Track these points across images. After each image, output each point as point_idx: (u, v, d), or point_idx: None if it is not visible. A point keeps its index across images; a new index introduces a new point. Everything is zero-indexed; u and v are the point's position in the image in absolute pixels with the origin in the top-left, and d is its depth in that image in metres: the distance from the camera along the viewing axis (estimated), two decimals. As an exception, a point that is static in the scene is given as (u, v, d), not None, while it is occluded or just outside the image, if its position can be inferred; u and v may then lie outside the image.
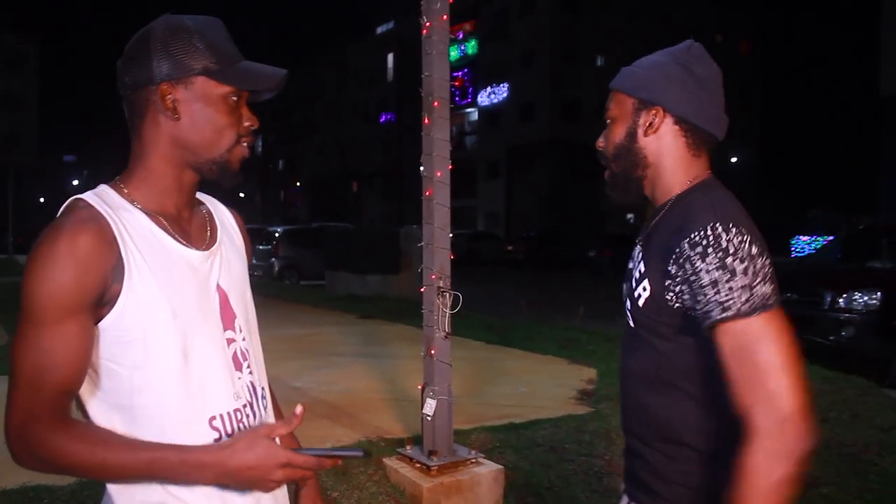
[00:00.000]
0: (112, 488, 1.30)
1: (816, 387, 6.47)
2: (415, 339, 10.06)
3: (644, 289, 1.48)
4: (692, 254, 1.36)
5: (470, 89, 52.85)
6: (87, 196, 1.32)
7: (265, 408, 1.49)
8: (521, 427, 5.72)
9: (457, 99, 53.35)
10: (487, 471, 4.63)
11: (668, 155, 1.54)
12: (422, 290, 4.82)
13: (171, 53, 1.31)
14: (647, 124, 1.52)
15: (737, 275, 1.32)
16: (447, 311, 4.69)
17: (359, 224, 46.16)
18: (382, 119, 59.41)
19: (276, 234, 23.11)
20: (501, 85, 50.06)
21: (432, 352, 4.72)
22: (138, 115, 1.35)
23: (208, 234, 1.45)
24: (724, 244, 1.33)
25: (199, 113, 1.33)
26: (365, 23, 64.92)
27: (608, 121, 1.60)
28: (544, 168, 46.12)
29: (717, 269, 1.33)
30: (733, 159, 44.16)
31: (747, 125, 53.51)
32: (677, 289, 1.41)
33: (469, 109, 53.81)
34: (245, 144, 1.40)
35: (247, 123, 1.39)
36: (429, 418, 4.68)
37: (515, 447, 5.30)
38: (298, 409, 1.29)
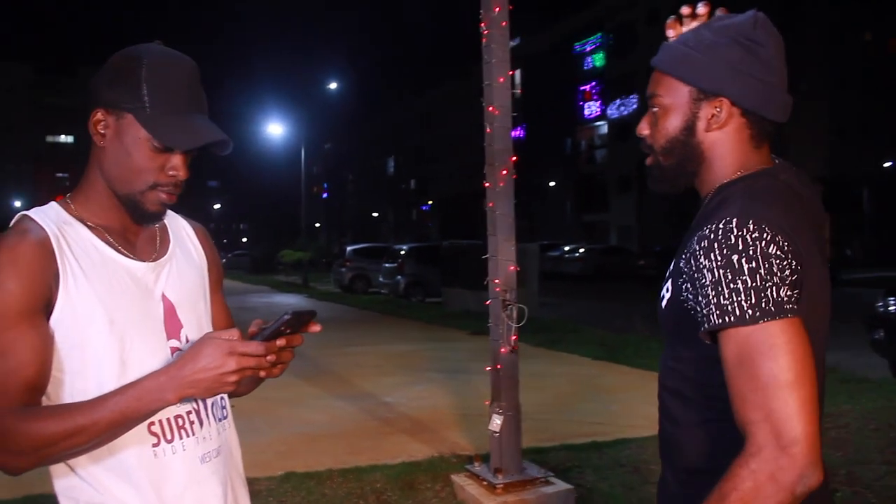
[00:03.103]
0: (59, 491, 1.34)
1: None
2: (522, 355, 9.91)
3: (667, 289, 1.33)
4: (698, 248, 1.19)
5: (599, 102, 52.08)
6: (33, 212, 1.36)
7: (220, 418, 1.49)
8: (605, 446, 5.49)
9: (585, 113, 52.74)
10: (556, 491, 4.45)
11: (729, 149, 1.35)
12: (487, 302, 4.73)
13: (115, 83, 1.33)
14: (710, 117, 1.33)
15: (743, 275, 1.14)
16: (512, 324, 4.57)
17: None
18: (511, 135, 59.56)
19: (402, 252, 23.26)
20: (631, 97, 48.98)
21: (498, 366, 4.62)
22: (89, 133, 1.39)
23: (157, 246, 1.47)
24: (733, 240, 1.16)
25: (119, 148, 1.35)
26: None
27: (654, 108, 1.40)
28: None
29: (721, 267, 1.15)
30: (886, 164, 41.15)
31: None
32: (685, 287, 1.25)
33: (598, 123, 52.99)
34: (164, 192, 1.38)
35: (171, 173, 1.37)
36: (495, 435, 4.56)
37: (596, 467, 5.08)
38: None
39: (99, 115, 1.34)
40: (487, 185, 4.67)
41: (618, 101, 50.44)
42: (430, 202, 69.50)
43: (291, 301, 22.14)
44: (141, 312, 1.37)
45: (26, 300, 1.25)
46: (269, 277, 35.90)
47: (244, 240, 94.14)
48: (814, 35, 39.54)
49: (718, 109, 1.32)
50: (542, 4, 57.67)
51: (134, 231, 1.43)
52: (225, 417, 1.50)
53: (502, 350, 4.57)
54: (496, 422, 4.56)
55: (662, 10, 44.50)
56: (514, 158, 4.64)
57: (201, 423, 1.42)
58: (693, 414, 1.30)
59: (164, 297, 1.42)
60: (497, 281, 4.63)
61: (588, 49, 51.76)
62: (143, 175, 1.35)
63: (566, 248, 35.38)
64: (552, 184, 54.67)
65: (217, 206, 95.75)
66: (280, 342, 1.26)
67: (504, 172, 4.59)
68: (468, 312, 15.65)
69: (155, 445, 1.35)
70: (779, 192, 1.28)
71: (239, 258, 51.19)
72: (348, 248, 28.20)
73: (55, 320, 1.29)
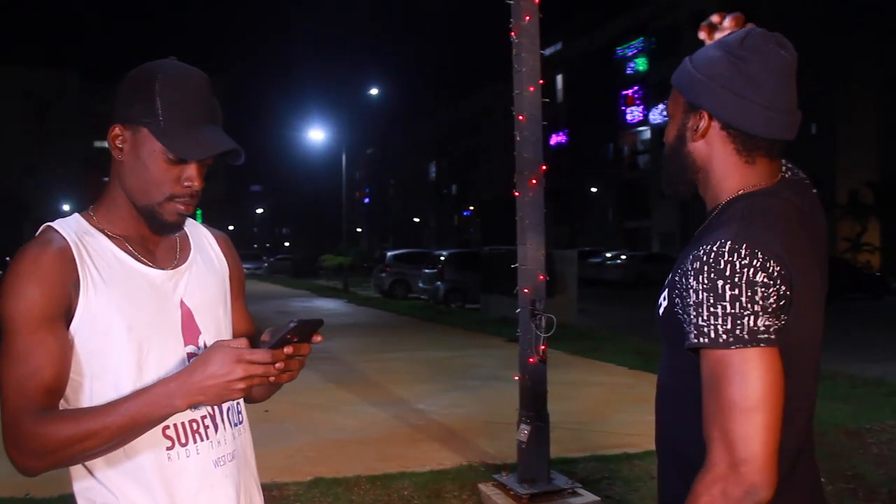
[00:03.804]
0: (77, 492, 1.38)
1: None
2: (558, 363, 9.88)
3: (664, 298, 1.39)
4: (690, 268, 1.25)
5: (641, 107, 51.59)
6: (56, 223, 1.42)
7: (236, 423, 1.52)
8: (637, 457, 5.42)
9: (628, 118, 52.26)
10: (583, 502, 4.43)
11: (718, 161, 1.39)
12: (517, 311, 4.72)
13: (131, 99, 1.38)
14: (694, 129, 1.39)
15: (724, 301, 1.19)
16: (541, 333, 4.55)
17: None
18: (553, 142, 59.28)
19: (442, 258, 23.12)
20: (674, 101, 48.47)
21: (526, 376, 4.60)
22: (109, 147, 1.44)
23: (177, 254, 1.51)
24: (721, 265, 1.21)
25: (136, 161, 1.39)
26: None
27: (667, 117, 1.49)
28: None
29: (706, 290, 1.21)
30: None
31: None
32: (676, 300, 1.31)
33: (641, 128, 52.48)
34: (180, 203, 1.42)
35: (186, 184, 1.41)
36: (523, 445, 4.54)
37: (626, 479, 5.03)
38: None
39: (117, 131, 1.39)
40: (517, 193, 4.66)
41: (660, 106, 49.81)
42: (471, 207, 69.46)
43: (331, 305, 22.30)
44: (159, 319, 1.41)
45: (47, 307, 1.31)
46: (310, 282, 36.18)
47: (286, 244, 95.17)
48: (862, 36, 38.74)
49: (700, 121, 1.38)
50: (583, 9, 57.39)
51: (154, 240, 1.48)
52: (240, 423, 1.54)
53: (530, 360, 4.55)
54: (523, 431, 4.55)
55: (706, 13, 43.83)
56: (545, 167, 4.62)
57: (216, 428, 1.45)
58: (685, 416, 1.35)
59: (182, 303, 1.46)
60: (526, 290, 4.62)
61: (630, 53, 51.33)
62: (160, 187, 1.39)
63: (608, 255, 35.09)
64: (594, 190, 54.30)
65: (260, 211, 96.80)
66: (287, 350, 1.28)
67: (533, 182, 4.58)
68: (506, 319, 15.57)
69: (169, 449, 1.38)
70: (778, 213, 1.31)
71: (281, 262, 51.73)
72: (388, 254, 28.26)
73: (75, 326, 1.33)
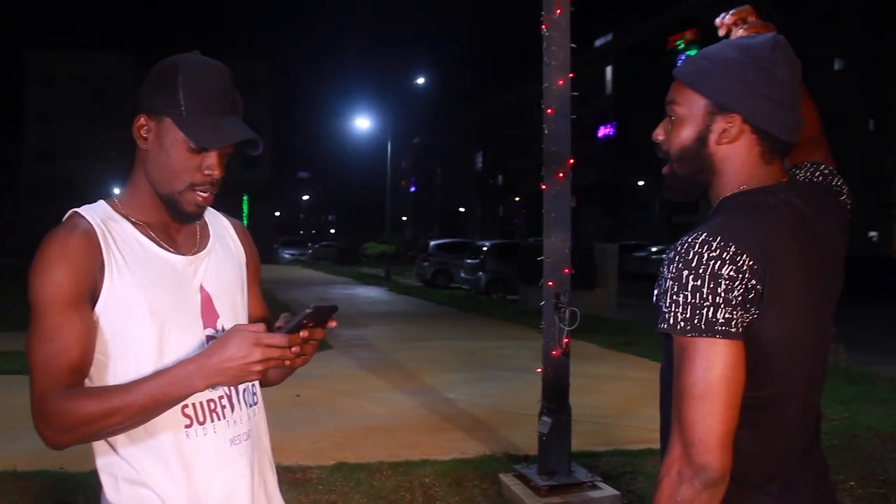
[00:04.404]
0: (100, 467, 1.46)
1: None
2: (591, 356, 9.88)
3: (657, 286, 1.42)
4: (666, 258, 1.32)
5: (692, 100, 50.77)
6: (82, 209, 1.49)
7: (251, 403, 1.59)
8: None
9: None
10: (602, 496, 4.44)
11: (738, 163, 1.40)
12: (542, 304, 4.73)
13: (156, 90, 1.45)
14: (722, 132, 1.38)
15: (685, 290, 1.25)
16: (564, 326, 4.56)
17: (576, 239, 45.73)
18: (600, 134, 58.70)
19: (484, 248, 23.04)
20: (725, 94, 47.58)
21: (548, 368, 4.62)
22: (134, 136, 1.51)
23: (197, 241, 1.59)
24: (690, 256, 1.26)
25: (159, 150, 1.46)
26: (583, 36, 64.59)
27: (671, 116, 1.46)
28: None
29: (672, 279, 1.27)
30: None
31: None
32: (657, 289, 1.36)
33: (691, 121, 51.67)
34: (200, 192, 1.48)
35: (206, 172, 1.47)
36: (543, 437, 4.57)
37: (649, 474, 5.01)
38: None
39: (142, 121, 1.46)
40: (544, 187, 4.66)
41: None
42: (517, 198, 69.24)
43: (371, 293, 22.49)
44: (179, 302, 1.48)
45: (74, 289, 1.38)
46: (353, 269, 36.53)
47: (332, 231, 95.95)
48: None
49: (730, 125, 1.38)
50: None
51: (175, 227, 1.55)
52: (255, 403, 1.60)
53: (553, 352, 4.57)
54: (544, 423, 4.57)
55: (760, 4, 42.92)
56: (572, 161, 4.62)
57: (232, 408, 1.52)
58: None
59: (201, 288, 1.53)
60: (550, 283, 4.63)
61: (682, 44, 50.51)
62: (181, 175, 1.46)
63: (653, 249, 34.72)
64: (641, 183, 53.68)
65: (306, 197, 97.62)
66: (303, 334, 1.34)
67: (560, 175, 4.58)
68: (544, 311, 15.55)
69: (188, 427, 1.45)
70: (767, 210, 1.33)
71: (325, 249, 52.15)
72: (431, 243, 28.36)
73: (100, 308, 1.40)
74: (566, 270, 4.63)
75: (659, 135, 1.49)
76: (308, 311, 1.33)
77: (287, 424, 5.80)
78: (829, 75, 42.99)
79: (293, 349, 1.33)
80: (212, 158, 1.47)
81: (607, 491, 4.48)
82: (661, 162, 1.50)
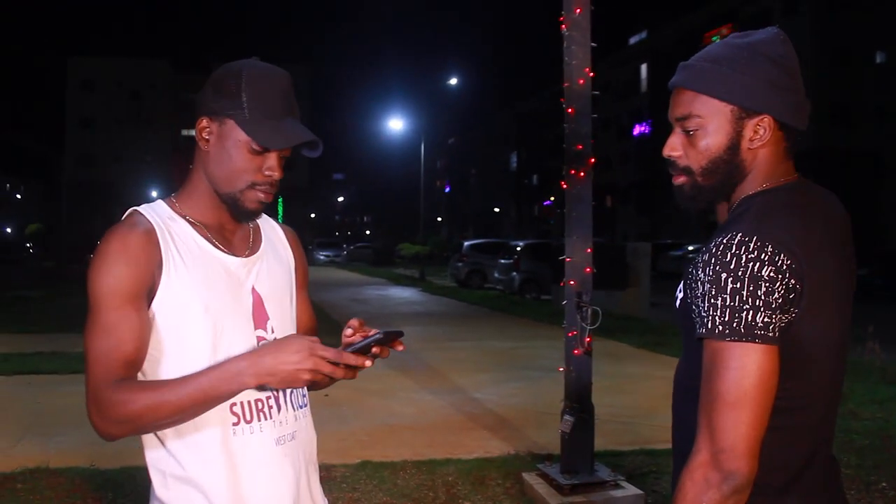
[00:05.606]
0: (150, 462, 1.49)
1: None
2: (621, 356, 9.84)
3: (680, 290, 1.42)
4: (699, 260, 1.28)
5: (729, 97, 50.04)
6: (142, 208, 1.54)
7: (300, 406, 1.62)
8: (687, 453, 5.36)
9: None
10: (625, 495, 4.42)
11: (767, 163, 1.38)
12: (564, 303, 4.74)
13: (218, 94, 1.49)
14: (754, 135, 1.36)
15: (724, 293, 1.22)
16: (587, 326, 4.56)
17: (611, 239, 45.37)
18: (636, 132, 58.22)
19: (518, 249, 22.93)
20: (764, 90, 46.79)
21: (571, 367, 4.62)
22: (195, 138, 1.57)
23: (250, 244, 1.63)
24: (728, 258, 1.23)
25: (221, 151, 1.50)
26: (617, 34, 64.01)
27: (690, 129, 1.39)
28: (812, 178, 42.25)
29: (710, 282, 1.24)
30: None
31: None
32: (689, 292, 1.34)
33: (729, 118, 50.93)
34: (261, 192, 1.52)
35: (267, 173, 1.51)
36: (566, 436, 4.57)
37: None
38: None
39: (204, 123, 1.51)
40: (565, 186, 4.66)
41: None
42: (552, 198, 68.97)
43: (405, 294, 22.58)
44: (232, 302, 1.52)
45: (132, 285, 1.41)
46: (388, 270, 36.69)
47: (367, 232, 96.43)
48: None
49: (761, 126, 1.35)
50: (671, -3, 56.08)
51: (231, 229, 1.59)
52: (304, 406, 1.63)
53: (575, 351, 4.57)
54: (567, 422, 4.57)
55: (798, -1, 42.32)
56: (593, 161, 4.61)
57: (279, 409, 1.54)
58: (694, 402, 1.34)
59: (253, 289, 1.56)
60: (572, 282, 4.63)
61: (717, 40, 49.88)
62: (242, 175, 1.50)
63: (689, 248, 34.33)
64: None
65: (341, 199, 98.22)
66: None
67: (582, 175, 4.58)
68: (576, 311, 15.48)
69: (235, 424, 1.48)
70: (798, 208, 1.32)
71: (361, 250, 52.46)
72: (465, 244, 28.35)
73: (156, 305, 1.44)
74: (588, 270, 4.63)
75: (674, 150, 1.43)
76: (378, 336, 1.39)
77: (314, 423, 5.85)
78: (871, 68, 42.17)
79: (343, 367, 1.37)
80: (272, 160, 1.50)
81: (630, 490, 4.47)
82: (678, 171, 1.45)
